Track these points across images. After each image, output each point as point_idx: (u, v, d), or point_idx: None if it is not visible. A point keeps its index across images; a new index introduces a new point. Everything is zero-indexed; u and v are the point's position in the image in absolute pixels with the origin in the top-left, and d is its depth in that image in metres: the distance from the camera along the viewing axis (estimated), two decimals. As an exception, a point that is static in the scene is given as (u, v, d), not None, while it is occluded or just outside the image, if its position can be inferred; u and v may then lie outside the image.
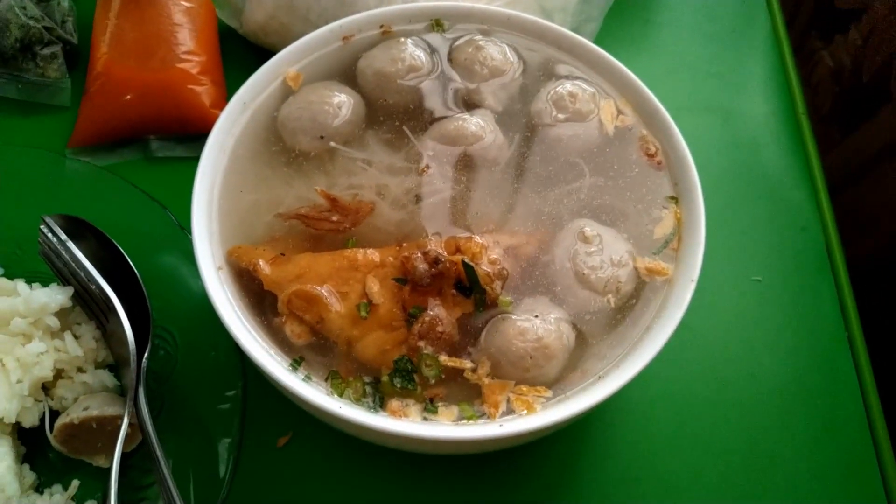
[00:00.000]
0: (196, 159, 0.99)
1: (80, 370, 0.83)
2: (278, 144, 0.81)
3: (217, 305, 0.67)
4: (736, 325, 0.95)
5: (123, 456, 0.80)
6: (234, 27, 1.13)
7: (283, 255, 0.73)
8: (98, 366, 0.85)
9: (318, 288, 0.70)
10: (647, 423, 0.88)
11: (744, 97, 1.16)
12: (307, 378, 0.67)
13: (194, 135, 1.05)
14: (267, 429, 0.84)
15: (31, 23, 1.05)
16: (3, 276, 0.90)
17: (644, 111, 0.83)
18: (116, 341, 0.83)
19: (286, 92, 0.84)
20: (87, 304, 0.85)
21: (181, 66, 1.03)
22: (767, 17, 1.24)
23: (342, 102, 0.82)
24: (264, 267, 0.71)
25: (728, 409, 0.89)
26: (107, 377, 0.84)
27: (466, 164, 0.80)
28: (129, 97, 1.03)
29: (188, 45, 1.05)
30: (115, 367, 0.86)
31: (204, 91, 1.04)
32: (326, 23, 0.99)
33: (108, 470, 0.76)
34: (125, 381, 0.84)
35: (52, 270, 0.87)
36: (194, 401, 0.82)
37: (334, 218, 0.75)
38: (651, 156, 0.80)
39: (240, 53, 1.14)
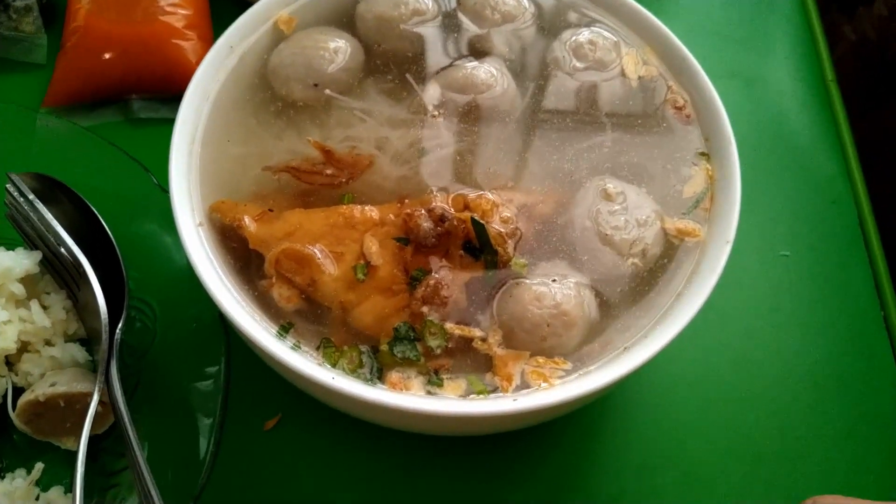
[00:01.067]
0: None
1: (48, 343, 0.75)
2: (268, 92, 0.74)
3: (195, 263, 0.60)
4: (763, 303, 0.88)
5: (95, 438, 0.73)
6: (224, -20, 1.05)
7: (271, 210, 0.65)
8: (68, 339, 0.77)
9: (310, 247, 0.63)
10: (668, 407, 0.81)
11: (769, 63, 1.09)
12: (296, 346, 0.59)
13: (180, 94, 0.97)
14: (254, 410, 0.77)
15: (2, -28, 0.97)
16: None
17: (671, 61, 0.76)
18: (89, 312, 0.76)
19: (278, 36, 0.76)
20: (58, 271, 0.78)
21: (165, 18, 0.95)
22: (792, -20, 1.17)
23: (339, 48, 0.74)
24: (250, 224, 0.64)
25: (755, 393, 0.83)
26: (77, 351, 0.76)
27: (476, 116, 0.72)
28: (109, 52, 0.95)
29: (173, -3, 0.97)
30: (88, 340, 0.78)
31: (190, 46, 0.96)
32: (323, -26, 0.92)
33: (77, 453, 0.69)
34: (98, 355, 0.76)
35: (20, 234, 0.80)
36: (173, 378, 0.74)
37: (328, 171, 0.67)
38: (679, 109, 0.73)
39: (230, 9, 1.05)
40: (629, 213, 0.66)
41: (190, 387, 0.73)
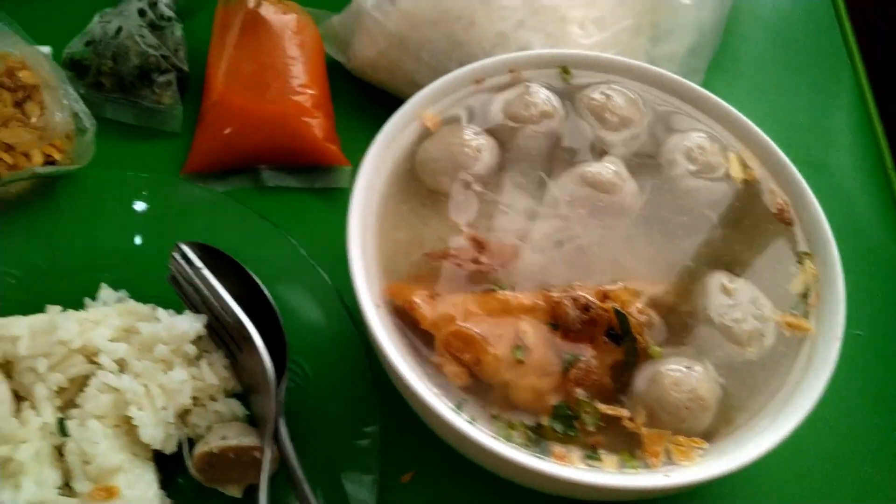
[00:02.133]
0: (307, 190, 1.03)
1: (212, 398, 0.84)
2: (418, 184, 0.83)
3: (383, 345, 0.69)
4: (837, 381, 0.96)
5: (253, 487, 0.81)
6: (341, 61, 1.15)
7: (437, 294, 0.75)
8: (227, 394, 0.86)
9: (476, 329, 0.72)
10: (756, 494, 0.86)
11: (832, 150, 1.18)
12: (472, 420, 0.68)
13: (305, 165, 1.07)
14: (390, 464, 0.85)
15: (150, 51, 1.08)
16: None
17: (770, 165, 0.86)
18: (247, 371, 0.85)
19: (424, 133, 0.86)
20: (217, 331, 0.87)
21: (296, 98, 1.05)
22: (851, 72, 1.27)
23: (480, 145, 0.84)
24: (423, 305, 0.73)
25: (836, 464, 0.89)
26: (236, 406, 0.85)
27: (601, 211, 0.82)
28: (244, 127, 1.04)
29: (302, 79, 1.07)
30: (243, 395, 0.87)
31: (317, 124, 1.06)
32: (439, 62, 1.03)
33: (239, 501, 0.78)
34: (254, 410, 0.85)
35: (181, 297, 0.88)
36: (329, 436, 0.83)
37: (483, 260, 0.77)
38: (780, 210, 0.83)
39: (346, 87, 1.16)
40: (745, 306, 0.76)
41: (346, 445, 0.81)
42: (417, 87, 1.05)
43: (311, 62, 1.09)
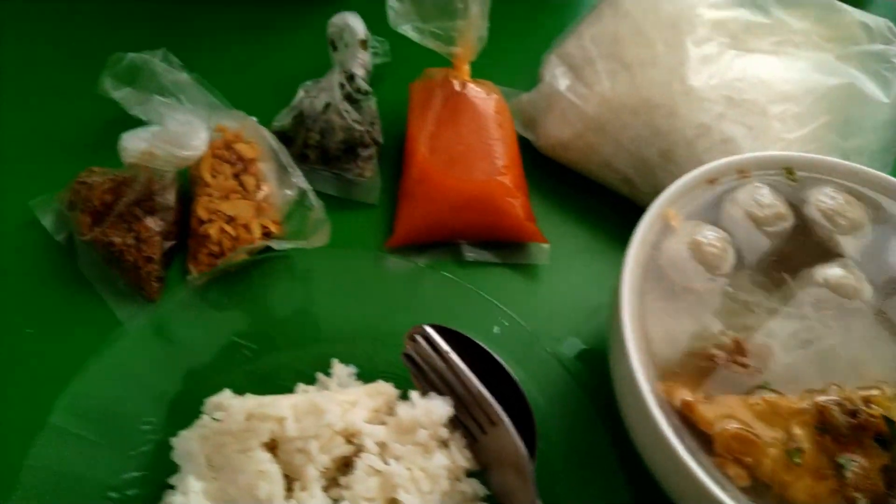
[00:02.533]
0: (504, 265, 1.08)
1: (457, 479, 0.87)
2: (666, 281, 0.87)
3: (675, 446, 0.72)
4: None
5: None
6: (530, 139, 1.20)
7: (709, 396, 0.78)
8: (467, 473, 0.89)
9: (755, 432, 0.75)
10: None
11: None
12: (765, 524, 0.72)
13: (505, 242, 1.11)
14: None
15: (356, 126, 1.12)
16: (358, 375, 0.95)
17: None
18: (488, 450, 0.88)
19: (668, 231, 0.90)
20: (457, 411, 0.90)
21: (500, 179, 1.10)
22: None
23: (725, 244, 0.88)
24: (700, 405, 0.76)
25: None
26: (478, 486, 0.88)
27: (842, 313, 0.85)
28: (450, 204, 1.09)
29: (504, 160, 1.11)
30: (478, 474, 0.90)
31: (518, 204, 1.10)
32: (639, 148, 1.07)
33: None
34: (495, 489, 0.88)
35: (414, 375, 0.92)
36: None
37: (747, 362, 0.80)
38: None
39: (531, 164, 1.20)
40: None
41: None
42: (614, 170, 1.10)
43: (509, 142, 1.14)
